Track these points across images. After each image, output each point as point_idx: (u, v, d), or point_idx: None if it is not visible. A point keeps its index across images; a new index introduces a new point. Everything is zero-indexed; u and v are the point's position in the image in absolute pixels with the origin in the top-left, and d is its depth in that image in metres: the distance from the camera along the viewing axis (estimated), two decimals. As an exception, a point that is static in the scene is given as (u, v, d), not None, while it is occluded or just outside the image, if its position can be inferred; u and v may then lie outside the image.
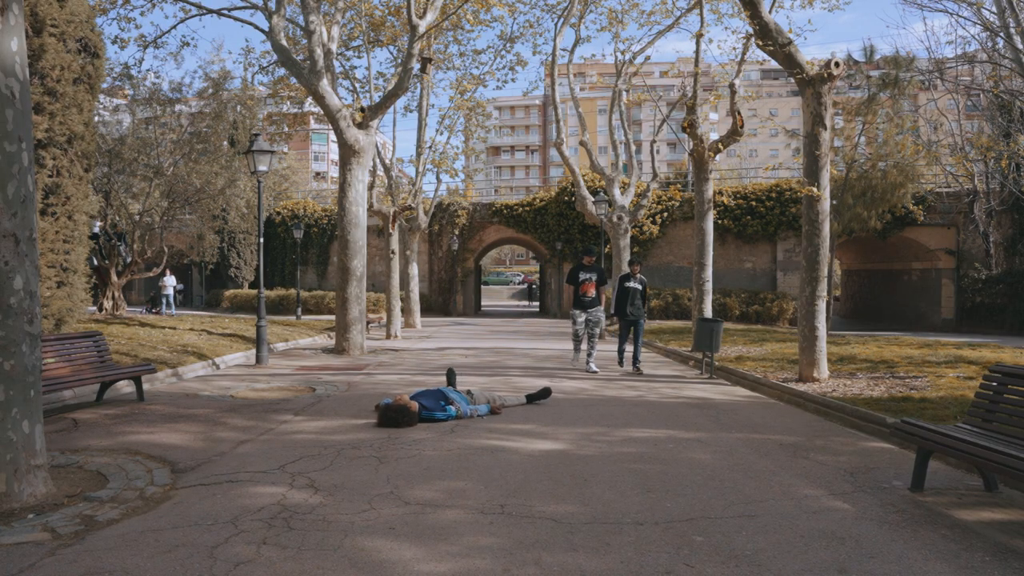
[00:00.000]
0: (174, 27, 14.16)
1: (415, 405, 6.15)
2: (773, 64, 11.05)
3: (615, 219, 22.07)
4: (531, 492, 4.12)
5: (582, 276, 10.31)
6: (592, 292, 10.30)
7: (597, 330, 10.40)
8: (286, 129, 20.95)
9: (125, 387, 7.84)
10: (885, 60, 18.44)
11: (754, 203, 28.05)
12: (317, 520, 3.57)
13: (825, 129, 8.48)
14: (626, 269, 22.09)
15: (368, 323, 16.63)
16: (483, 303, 42.18)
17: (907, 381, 7.93)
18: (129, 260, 17.79)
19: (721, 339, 10.31)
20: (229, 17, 12.96)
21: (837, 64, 8.24)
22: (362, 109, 13.02)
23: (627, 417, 6.65)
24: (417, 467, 4.67)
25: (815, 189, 8.50)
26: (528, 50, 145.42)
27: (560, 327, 23.64)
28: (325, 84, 12.03)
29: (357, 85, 18.16)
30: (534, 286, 45.43)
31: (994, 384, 4.24)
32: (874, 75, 18.86)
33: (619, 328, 10.71)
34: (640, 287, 10.49)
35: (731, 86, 13.27)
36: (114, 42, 26.55)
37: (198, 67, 19.76)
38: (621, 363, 10.73)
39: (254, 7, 12.92)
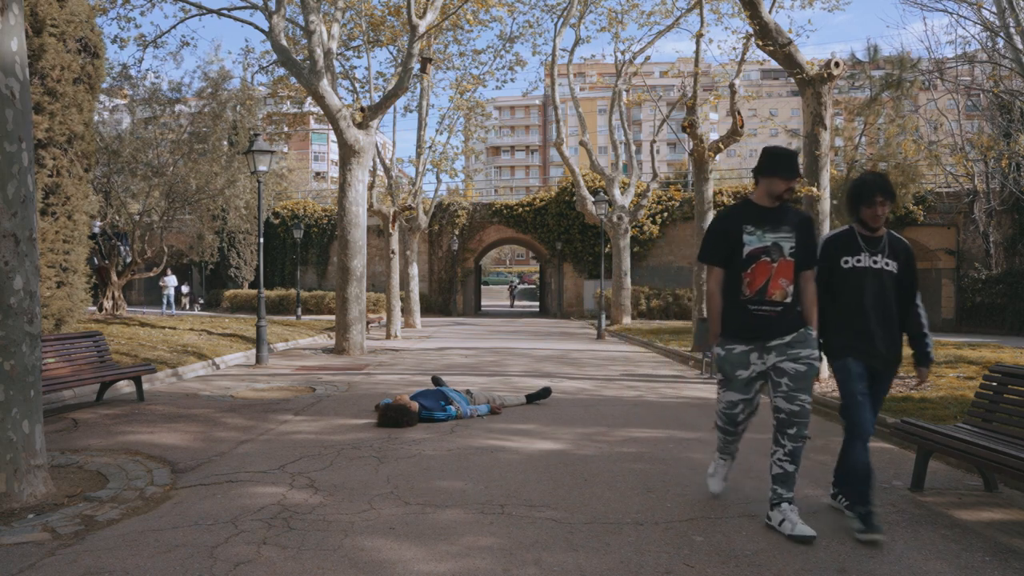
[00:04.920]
0: (174, 27, 14.18)
1: (415, 405, 6.15)
2: (773, 64, 11.06)
3: (615, 219, 22.09)
4: (531, 492, 4.12)
5: (750, 242, 3.58)
6: (783, 288, 3.55)
7: (805, 400, 3.44)
8: (286, 129, 20.97)
9: (125, 387, 7.84)
10: (888, 60, 18.44)
11: (754, 203, 28.02)
12: (317, 520, 3.57)
13: (825, 129, 8.48)
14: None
15: (368, 323, 16.64)
16: (483, 303, 42.21)
17: (907, 381, 7.93)
18: (129, 260, 17.80)
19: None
20: (229, 17, 12.96)
21: (837, 64, 8.25)
22: (362, 109, 13.02)
23: (627, 417, 6.65)
24: (417, 467, 4.67)
25: (815, 189, 8.50)
26: (528, 50, 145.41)
27: (560, 327, 23.63)
28: (325, 84, 12.03)
29: (357, 85, 18.19)
30: (516, 289, 44.96)
31: (994, 384, 4.24)
32: (876, 75, 18.87)
33: (846, 384, 3.61)
34: (894, 269, 3.70)
35: (731, 86, 13.27)
36: (114, 42, 26.55)
37: (197, 67, 19.80)
38: (859, 499, 3.46)
39: (254, 7, 12.93)
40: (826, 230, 8.58)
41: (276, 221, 31.52)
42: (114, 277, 17.33)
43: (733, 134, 13.21)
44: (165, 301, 25.28)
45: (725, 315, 3.64)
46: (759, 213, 3.61)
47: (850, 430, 3.58)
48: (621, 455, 5.07)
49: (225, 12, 12.94)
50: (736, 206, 3.73)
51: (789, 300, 3.54)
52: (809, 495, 4.09)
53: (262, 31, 12.52)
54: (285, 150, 35.00)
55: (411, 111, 20.25)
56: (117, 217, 17.69)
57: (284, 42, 12.16)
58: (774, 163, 3.58)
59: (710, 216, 13.44)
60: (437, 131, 20.63)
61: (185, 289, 30.07)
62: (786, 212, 3.62)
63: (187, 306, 29.50)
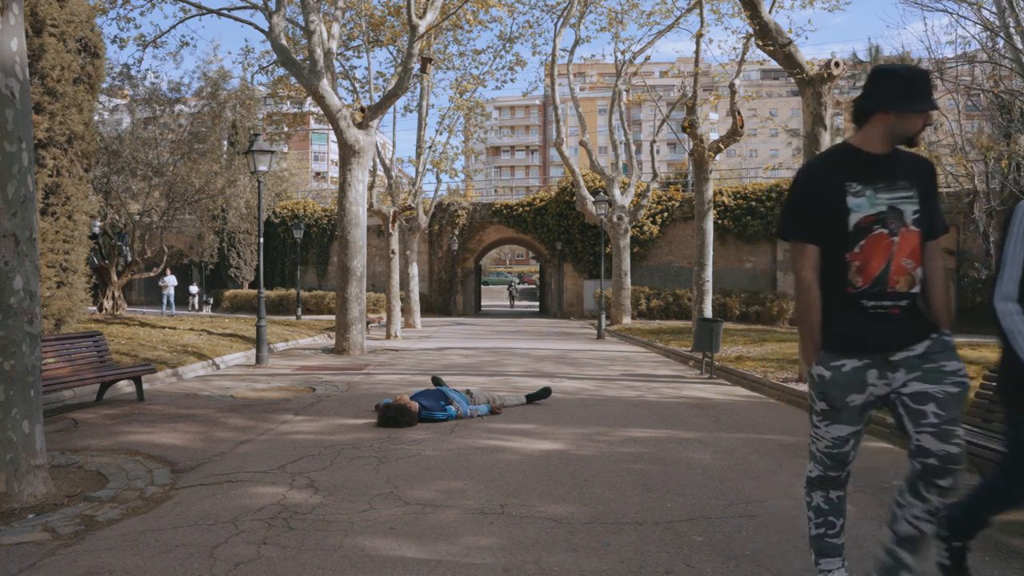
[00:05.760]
0: (173, 27, 14.23)
1: (415, 405, 6.15)
2: (773, 64, 11.06)
3: (615, 219, 22.10)
4: (531, 492, 4.12)
5: (859, 207, 2.43)
6: (909, 273, 2.44)
7: (960, 437, 2.34)
8: (286, 129, 20.98)
9: (125, 387, 7.84)
10: (888, 60, 18.44)
11: (754, 203, 28.06)
12: (317, 520, 3.57)
13: (825, 129, 8.48)
14: (627, 266, 20.65)
15: (368, 323, 16.64)
16: (483, 303, 42.20)
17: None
18: (129, 260, 17.82)
19: (721, 339, 10.31)
20: (229, 17, 12.97)
21: (837, 64, 8.25)
22: (362, 109, 13.03)
23: (627, 417, 6.65)
24: (417, 467, 4.67)
25: (815, 189, 8.49)
26: (528, 50, 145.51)
27: (560, 327, 23.63)
28: (325, 84, 12.03)
29: (357, 85, 18.21)
30: (514, 289, 44.76)
31: (994, 384, 4.24)
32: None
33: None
34: None
35: (731, 86, 13.28)
36: (114, 42, 26.60)
37: (196, 67, 19.94)
38: None
39: (254, 7, 12.93)
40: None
41: (276, 221, 31.53)
42: (114, 277, 17.34)
43: (733, 134, 13.21)
44: (165, 301, 25.29)
45: (825, 318, 2.52)
46: (867, 163, 2.47)
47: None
48: (621, 455, 5.07)
49: (225, 12, 12.95)
50: (833, 154, 2.57)
51: (917, 289, 2.47)
52: (809, 495, 4.08)
53: (262, 31, 12.52)
54: (285, 150, 35.01)
55: (411, 111, 20.29)
56: (117, 217, 17.70)
57: (284, 42, 12.16)
58: (906, 88, 2.38)
59: (710, 216, 13.43)
60: (437, 131, 20.66)
61: (194, 289, 29.96)
62: (900, 159, 2.51)
63: (196, 307, 29.39)
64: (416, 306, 21.50)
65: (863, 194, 2.42)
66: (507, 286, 49.24)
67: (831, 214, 2.44)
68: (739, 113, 13.01)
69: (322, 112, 12.94)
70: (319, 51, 11.94)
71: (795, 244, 2.56)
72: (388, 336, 17.66)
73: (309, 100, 17.47)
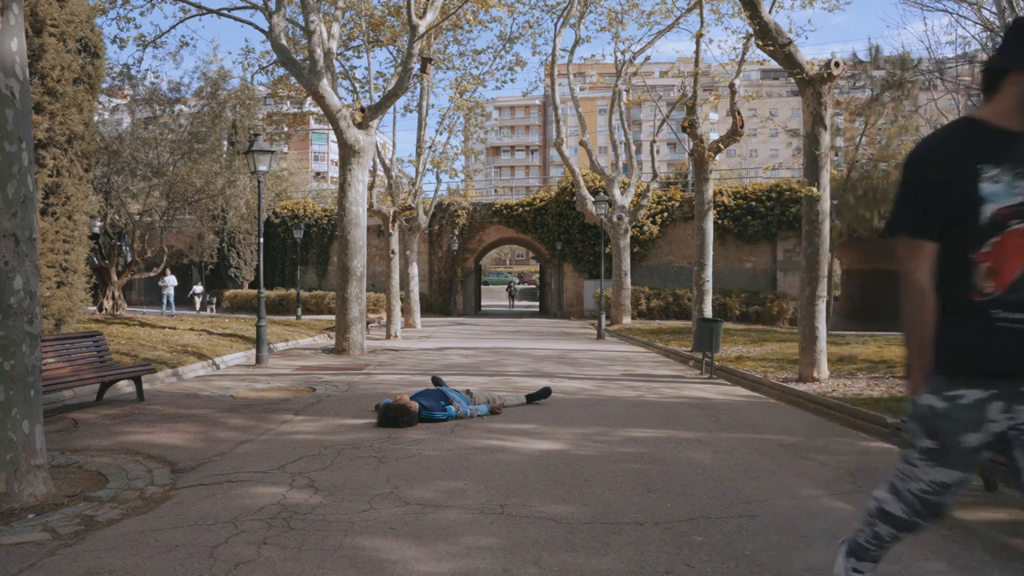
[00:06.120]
0: (173, 27, 14.23)
1: (415, 405, 6.16)
2: (773, 64, 11.05)
3: (615, 219, 22.10)
4: (531, 492, 4.12)
5: (994, 195, 1.96)
6: None
7: None
8: (286, 129, 20.99)
9: (125, 387, 7.84)
10: (888, 60, 18.41)
11: (754, 203, 28.07)
12: (317, 520, 3.57)
13: (825, 129, 8.48)
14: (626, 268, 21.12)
15: (368, 323, 16.64)
16: (483, 303, 42.19)
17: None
18: (129, 260, 17.82)
19: (721, 339, 10.31)
20: (229, 17, 12.97)
21: (837, 64, 8.25)
22: (362, 109, 13.03)
23: (627, 417, 6.65)
24: (417, 467, 4.67)
25: (815, 189, 8.50)
26: (528, 50, 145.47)
27: (560, 327, 23.62)
28: (325, 84, 12.03)
29: (357, 85, 18.20)
30: (514, 289, 44.58)
31: None
32: (876, 75, 18.85)
33: None
34: None
35: (731, 86, 13.28)
36: (114, 42, 26.61)
37: (196, 67, 19.98)
38: None
39: (254, 7, 12.93)
40: (826, 230, 8.57)
41: (276, 221, 31.54)
42: (114, 277, 17.34)
43: (733, 134, 13.22)
44: (165, 301, 25.28)
45: (941, 333, 2.07)
46: (1002, 141, 1.99)
47: None
48: (621, 455, 5.07)
49: (225, 12, 12.94)
50: (958, 128, 2.08)
51: None
52: (811, 495, 4.09)
53: (262, 31, 12.52)
54: (285, 150, 35.02)
55: (411, 111, 20.29)
56: (117, 217, 17.69)
57: (284, 42, 12.16)
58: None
59: (710, 216, 13.42)
60: (437, 131, 20.66)
61: (198, 289, 29.89)
62: None
63: (201, 307, 29.29)
64: (416, 306, 21.50)
65: (1000, 180, 1.95)
66: (507, 286, 49.10)
67: (958, 203, 1.99)
68: (739, 113, 13.02)
69: (322, 112, 12.93)
70: (319, 51, 11.94)
71: (908, 240, 2.09)
72: (388, 336, 17.66)
73: (309, 100, 17.47)
